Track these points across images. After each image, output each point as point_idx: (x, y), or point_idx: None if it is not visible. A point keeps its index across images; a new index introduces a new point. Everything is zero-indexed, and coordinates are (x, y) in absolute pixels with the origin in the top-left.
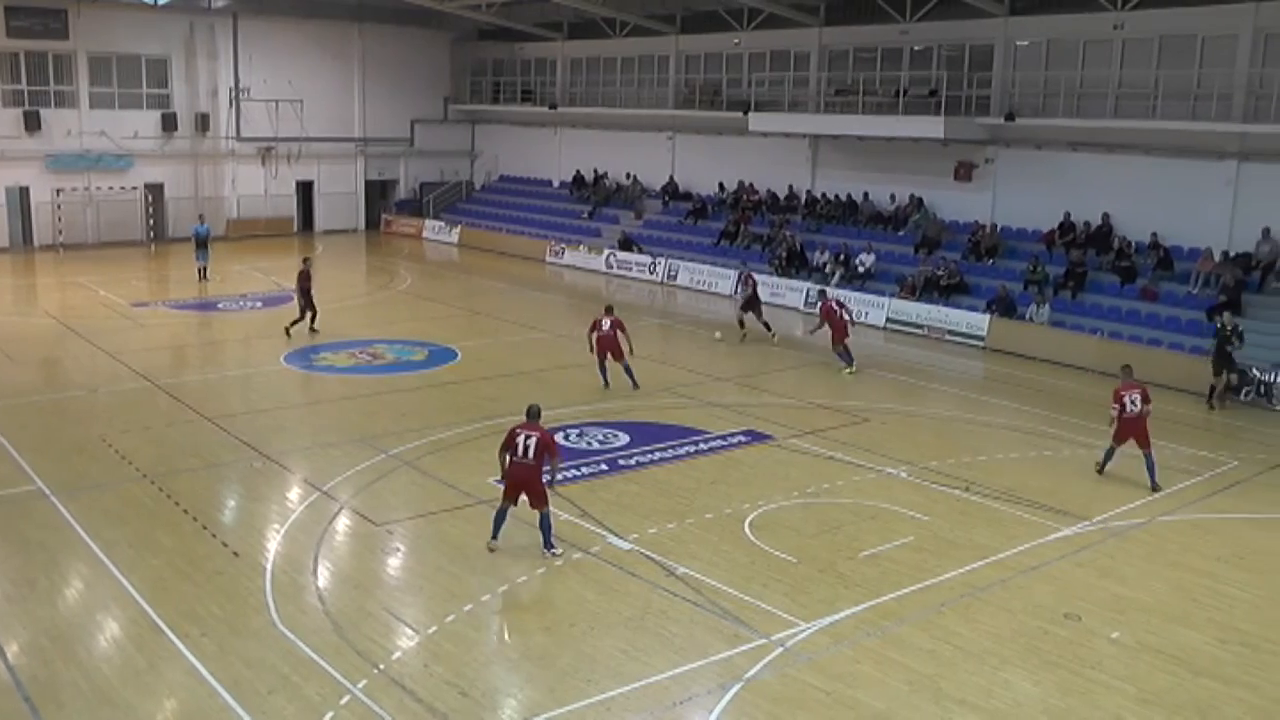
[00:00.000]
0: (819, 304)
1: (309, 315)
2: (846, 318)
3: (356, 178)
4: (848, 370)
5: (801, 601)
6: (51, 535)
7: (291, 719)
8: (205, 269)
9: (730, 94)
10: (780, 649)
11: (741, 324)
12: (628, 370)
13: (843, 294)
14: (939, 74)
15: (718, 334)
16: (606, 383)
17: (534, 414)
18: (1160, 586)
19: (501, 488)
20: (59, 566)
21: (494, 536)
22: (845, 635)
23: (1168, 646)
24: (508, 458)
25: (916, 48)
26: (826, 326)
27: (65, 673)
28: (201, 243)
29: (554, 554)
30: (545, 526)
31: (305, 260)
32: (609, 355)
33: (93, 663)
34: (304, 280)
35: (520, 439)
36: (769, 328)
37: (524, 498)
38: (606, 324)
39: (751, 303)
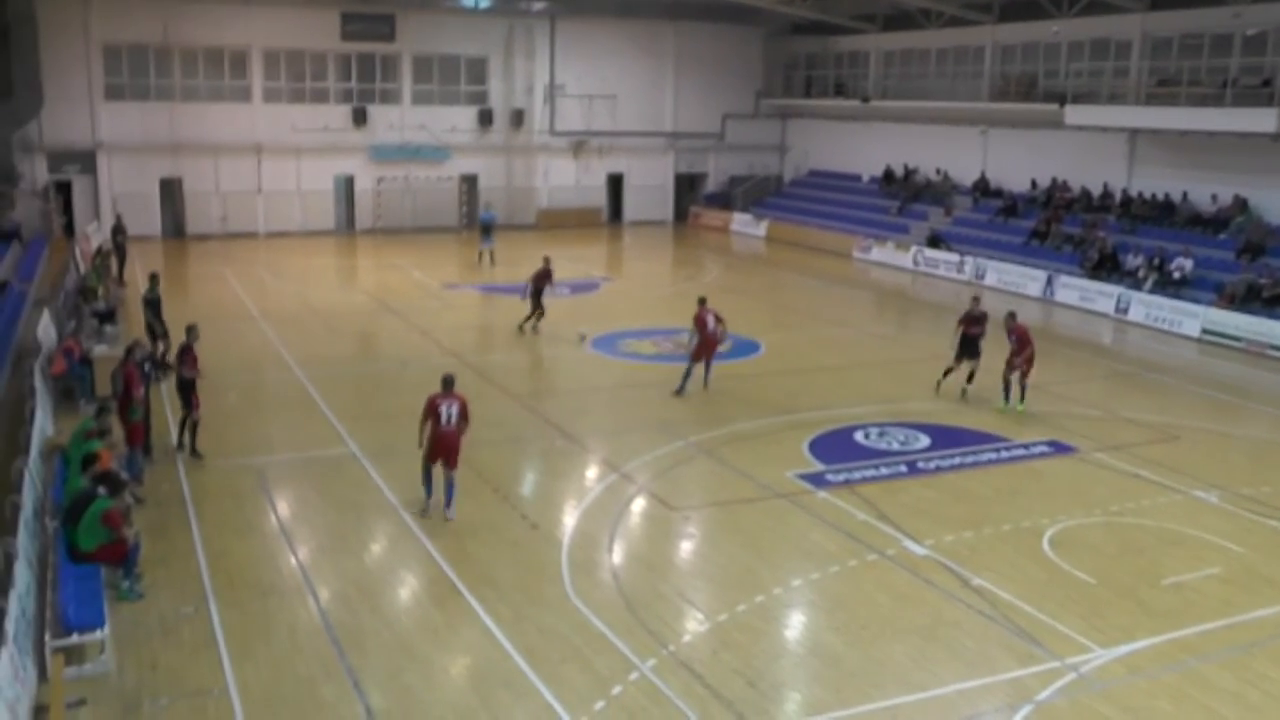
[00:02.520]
0: (696, 312)
1: (537, 315)
2: (721, 331)
3: (666, 171)
4: (676, 392)
5: (1098, 626)
6: (362, 495)
7: (581, 688)
8: (491, 253)
9: (1046, 85)
10: (1074, 674)
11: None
12: (706, 367)
13: (1159, 300)
14: (1273, 61)
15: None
16: (682, 387)
17: (449, 383)
18: None
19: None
20: (367, 525)
21: (428, 494)
22: (1143, 666)
23: None
24: (429, 425)
25: (1249, 33)
26: (697, 337)
27: (369, 622)
28: (486, 229)
29: (451, 516)
30: (451, 488)
31: (546, 259)
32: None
33: (395, 615)
34: (541, 280)
35: (443, 407)
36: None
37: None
38: (712, 320)
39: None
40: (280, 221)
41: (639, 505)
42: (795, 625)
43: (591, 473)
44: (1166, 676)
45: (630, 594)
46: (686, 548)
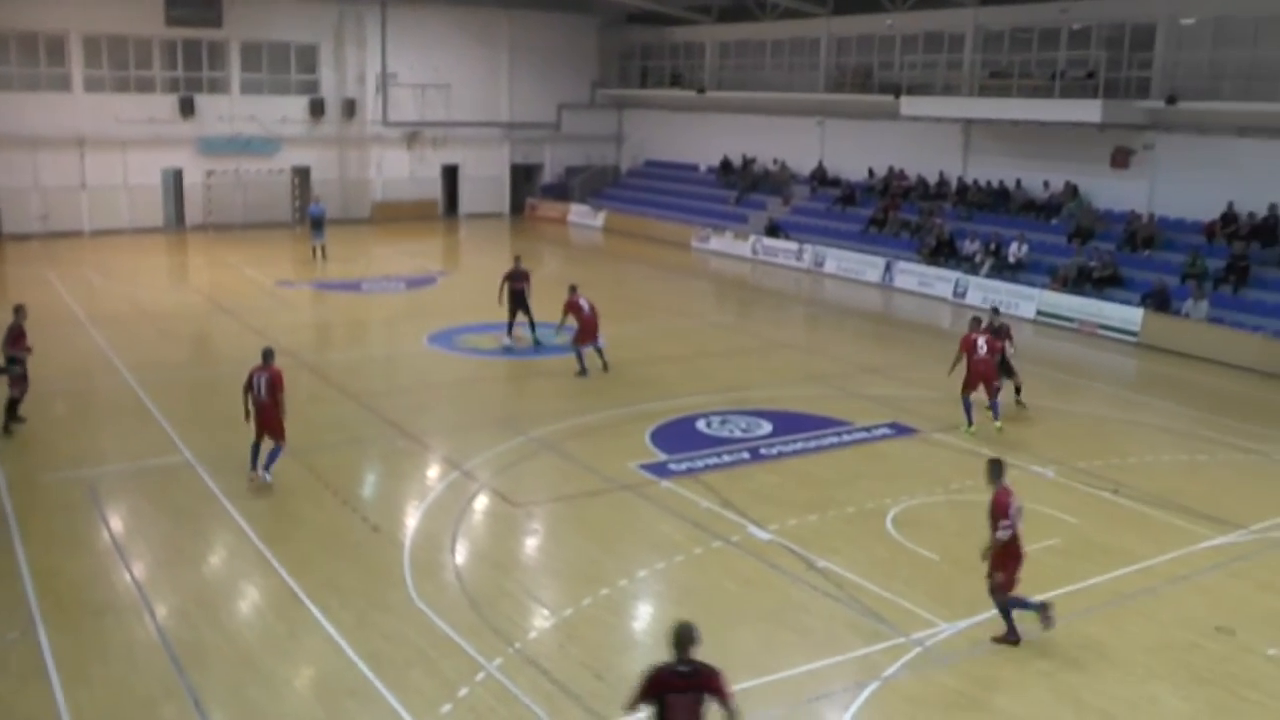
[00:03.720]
0: (568, 299)
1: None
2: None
3: (502, 162)
4: (579, 372)
5: (943, 601)
6: (199, 505)
7: (428, 693)
8: (323, 248)
9: (881, 77)
10: (919, 649)
11: None
12: (598, 350)
13: (996, 284)
14: (1097, 55)
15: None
16: (584, 369)
17: (268, 355)
18: None
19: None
20: (205, 535)
21: (253, 468)
22: (986, 638)
23: None
24: (249, 397)
25: (1075, 27)
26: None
27: (210, 637)
28: (316, 223)
29: (266, 479)
30: (271, 456)
31: (517, 259)
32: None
33: (235, 628)
34: (520, 281)
35: (256, 379)
36: None
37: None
38: (586, 304)
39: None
40: (106, 219)
41: (482, 503)
42: (643, 616)
43: (433, 472)
44: (1007, 646)
45: (475, 594)
46: (531, 544)
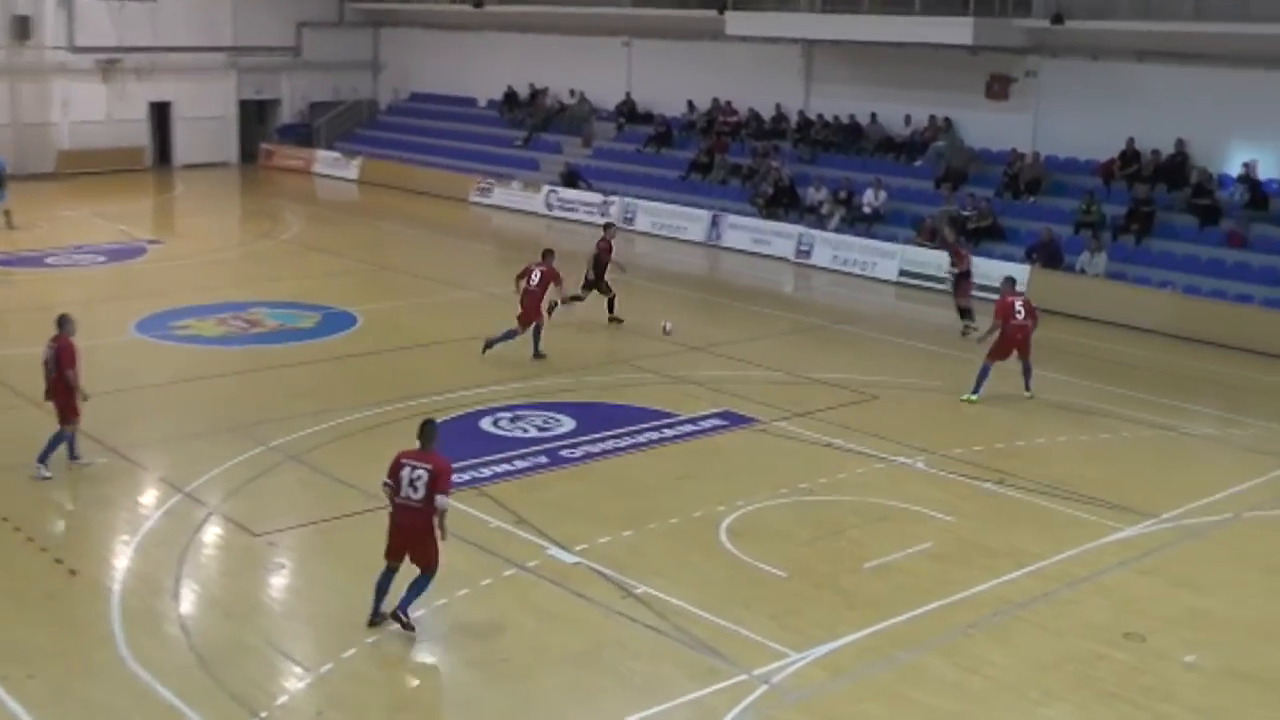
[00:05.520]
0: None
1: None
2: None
3: (227, 98)
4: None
5: (792, 626)
6: None
7: None
8: (7, 213)
9: None
10: (765, 686)
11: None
12: (536, 330)
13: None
14: None
15: (667, 325)
16: (539, 352)
17: (62, 323)
18: (1250, 597)
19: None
20: None
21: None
22: (847, 667)
23: (1260, 669)
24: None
25: None
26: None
27: None
28: None
29: (43, 474)
30: (55, 442)
31: (608, 227)
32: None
33: None
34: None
35: (44, 352)
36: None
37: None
38: (537, 276)
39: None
40: None
41: (211, 534)
42: (420, 667)
43: (147, 497)
44: (875, 675)
45: (206, 649)
46: (276, 584)
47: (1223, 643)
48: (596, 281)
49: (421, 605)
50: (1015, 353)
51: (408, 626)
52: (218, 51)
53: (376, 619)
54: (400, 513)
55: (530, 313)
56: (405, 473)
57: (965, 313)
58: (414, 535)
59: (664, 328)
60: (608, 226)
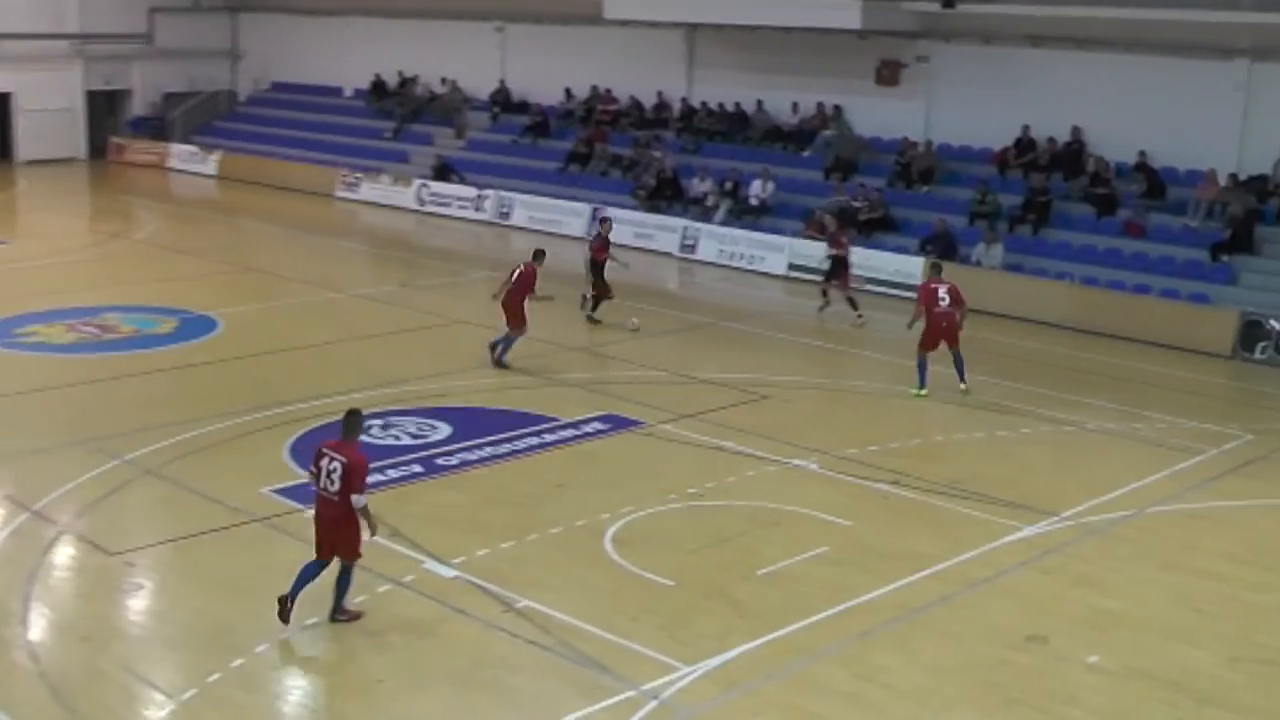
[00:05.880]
0: (519, 267)
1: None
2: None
3: (73, 88)
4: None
5: (682, 638)
6: None
7: None
8: None
9: None
10: (654, 701)
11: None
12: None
13: (734, 233)
14: None
15: (633, 321)
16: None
17: None
18: (1153, 595)
19: None
20: None
21: None
22: (740, 679)
23: (1164, 670)
24: None
25: None
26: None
27: None
28: None
29: None
30: None
31: (603, 222)
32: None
33: None
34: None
35: None
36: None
37: None
38: (517, 274)
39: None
40: None
41: (63, 554)
42: (290, 691)
43: None
44: (769, 686)
45: (58, 679)
46: (134, 606)
47: (1125, 642)
48: (599, 281)
49: (290, 628)
50: (944, 343)
51: (355, 617)
52: (62, 39)
53: (288, 603)
54: (319, 504)
55: (514, 312)
56: (324, 463)
57: (853, 303)
58: (333, 527)
59: (631, 324)
60: (603, 221)
